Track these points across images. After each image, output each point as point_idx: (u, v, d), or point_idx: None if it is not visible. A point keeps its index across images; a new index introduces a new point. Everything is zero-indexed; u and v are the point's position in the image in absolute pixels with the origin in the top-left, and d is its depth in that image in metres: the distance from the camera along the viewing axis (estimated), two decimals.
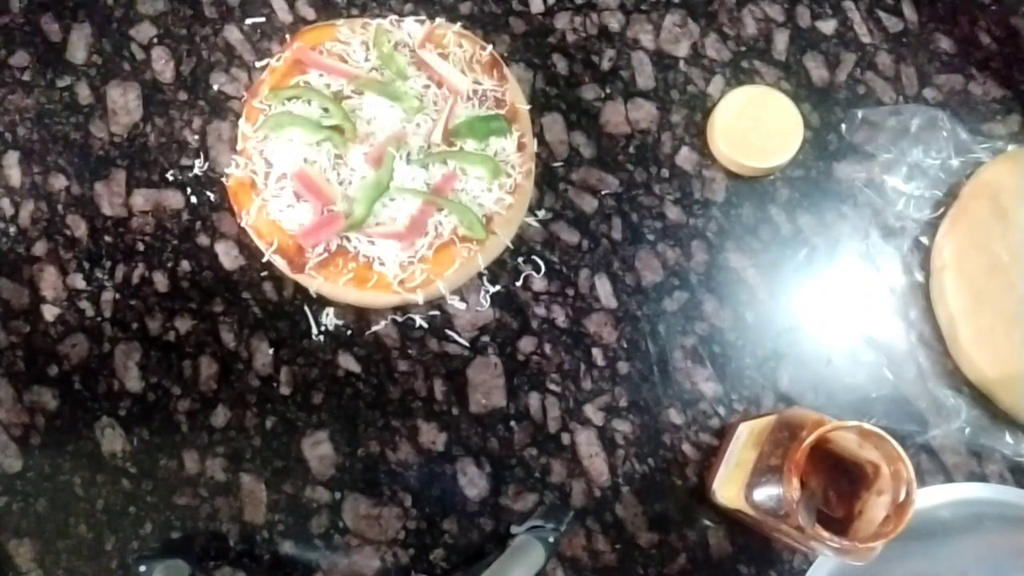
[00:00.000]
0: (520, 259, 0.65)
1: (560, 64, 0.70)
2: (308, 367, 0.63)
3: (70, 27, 0.69)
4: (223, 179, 0.64)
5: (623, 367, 0.63)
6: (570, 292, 0.65)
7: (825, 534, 0.46)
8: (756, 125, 0.66)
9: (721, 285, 0.65)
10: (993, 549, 0.58)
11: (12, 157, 0.67)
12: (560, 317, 0.64)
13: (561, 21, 0.71)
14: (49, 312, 0.63)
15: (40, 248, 0.65)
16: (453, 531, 0.60)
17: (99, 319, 0.63)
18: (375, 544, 0.60)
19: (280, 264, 0.61)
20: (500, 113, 0.62)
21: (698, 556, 0.60)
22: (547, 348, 0.64)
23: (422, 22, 0.65)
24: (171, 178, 0.66)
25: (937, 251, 0.64)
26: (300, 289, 0.64)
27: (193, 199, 0.66)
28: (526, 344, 0.64)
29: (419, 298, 0.60)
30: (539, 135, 0.67)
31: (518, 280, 0.65)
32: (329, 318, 0.63)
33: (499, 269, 0.65)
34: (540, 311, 0.64)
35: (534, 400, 0.63)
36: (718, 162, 0.68)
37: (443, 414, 0.62)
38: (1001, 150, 0.67)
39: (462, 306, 0.64)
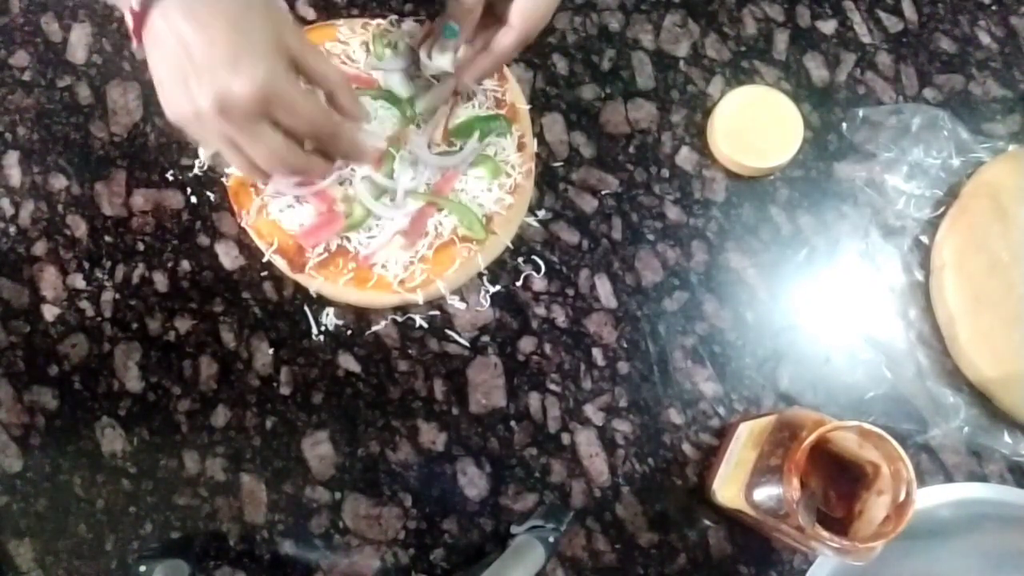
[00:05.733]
0: (520, 259, 0.65)
1: (560, 64, 0.70)
2: (308, 367, 0.63)
3: (70, 27, 0.69)
4: (223, 179, 0.64)
5: (623, 367, 0.63)
6: (570, 292, 0.65)
7: (825, 534, 0.46)
8: (756, 125, 0.66)
9: (721, 285, 0.65)
10: (993, 549, 0.58)
11: (12, 157, 0.67)
12: (560, 317, 0.64)
13: (561, 21, 0.71)
14: (49, 312, 0.64)
15: (40, 248, 0.65)
16: (453, 531, 0.60)
17: (99, 319, 0.63)
18: (375, 544, 0.60)
19: (280, 264, 0.61)
20: (500, 113, 0.62)
21: (698, 556, 0.60)
22: (547, 348, 0.64)
23: (422, 22, 0.65)
24: (171, 178, 0.66)
25: (937, 250, 0.64)
26: (300, 289, 0.64)
27: (193, 199, 0.66)
28: (526, 344, 0.64)
29: (419, 298, 0.60)
30: (539, 135, 0.67)
31: (518, 280, 0.65)
32: (329, 318, 0.63)
33: (499, 269, 0.65)
34: (540, 311, 0.64)
35: (534, 400, 0.63)
36: (718, 162, 0.68)
37: (443, 414, 0.62)
38: (1002, 150, 0.67)
39: (462, 306, 0.64)
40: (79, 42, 0.69)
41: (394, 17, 0.65)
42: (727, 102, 0.67)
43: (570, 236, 0.66)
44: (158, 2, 0.45)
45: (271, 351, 0.63)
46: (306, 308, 0.64)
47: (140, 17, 0.46)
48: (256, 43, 0.46)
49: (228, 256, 0.65)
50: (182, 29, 0.45)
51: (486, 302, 0.64)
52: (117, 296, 0.64)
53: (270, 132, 0.48)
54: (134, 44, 0.47)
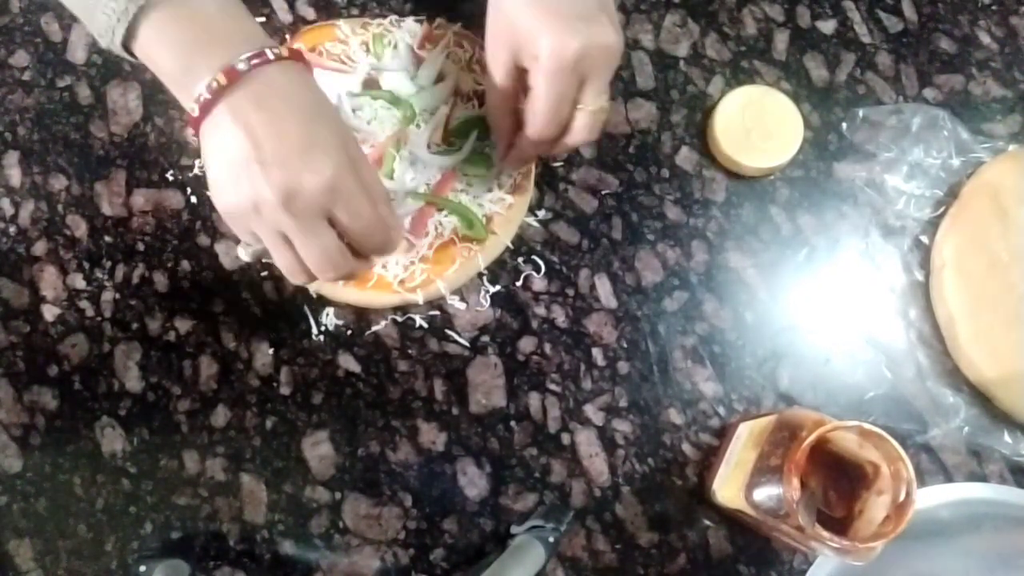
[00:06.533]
0: (520, 259, 0.65)
1: None
2: (308, 367, 0.63)
3: (70, 27, 0.69)
4: None
5: (623, 367, 0.63)
6: (570, 292, 0.65)
7: (825, 534, 0.46)
8: (756, 125, 0.66)
9: (721, 285, 0.65)
10: (993, 549, 0.58)
11: (12, 157, 0.67)
12: (560, 317, 0.64)
13: None
14: (49, 312, 0.63)
15: (40, 248, 0.65)
16: (453, 531, 0.60)
17: (99, 319, 0.63)
18: (375, 544, 0.60)
19: None
20: None
21: (698, 556, 0.60)
22: (547, 348, 0.64)
23: (422, 22, 0.65)
24: (171, 178, 0.66)
25: (937, 250, 0.64)
26: (300, 289, 0.64)
27: (193, 199, 0.66)
28: (526, 344, 0.64)
29: (419, 298, 0.60)
30: None
31: (518, 280, 0.65)
32: (329, 318, 0.63)
33: (499, 269, 0.65)
34: (540, 311, 0.64)
35: (534, 400, 0.63)
36: (718, 162, 0.68)
37: (443, 414, 0.62)
38: (1002, 150, 0.67)
39: (462, 306, 0.64)
40: (79, 42, 0.69)
41: (394, 17, 0.65)
42: (727, 102, 0.67)
43: (570, 236, 0.66)
44: (229, 94, 0.44)
45: (271, 351, 0.63)
46: (306, 308, 0.64)
47: (206, 107, 0.45)
48: (327, 138, 0.45)
49: (228, 256, 0.65)
50: (252, 119, 0.44)
51: (486, 302, 0.64)
52: (117, 296, 0.64)
53: (327, 230, 0.47)
54: (190, 133, 0.46)
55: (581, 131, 0.54)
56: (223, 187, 0.46)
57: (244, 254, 0.52)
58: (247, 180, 0.45)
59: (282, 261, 0.48)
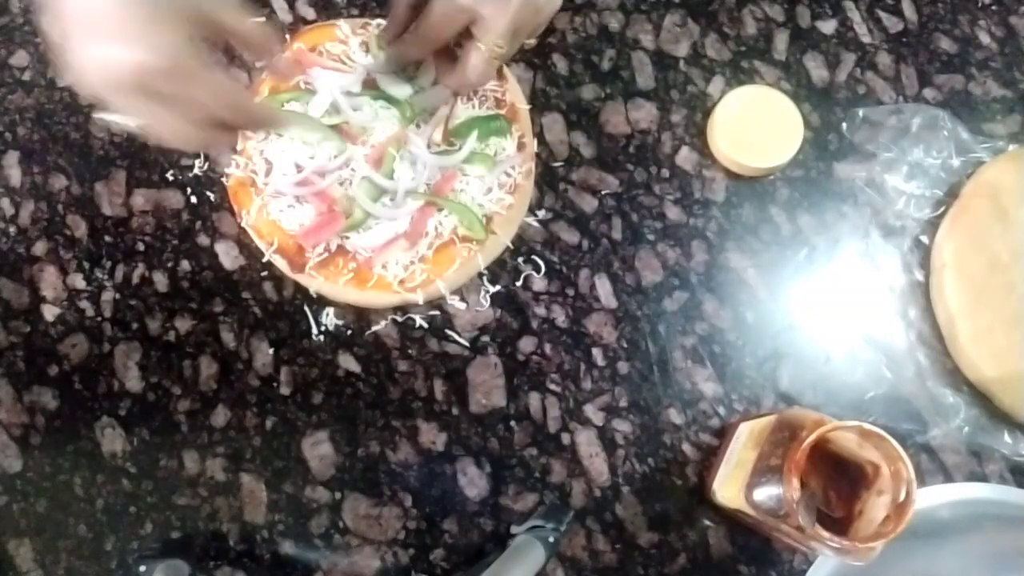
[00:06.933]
0: (520, 259, 0.65)
1: (560, 64, 0.70)
2: (308, 367, 0.63)
3: None
4: (223, 179, 0.64)
5: (623, 367, 0.63)
6: (570, 292, 0.65)
7: (825, 534, 0.46)
8: (756, 125, 0.66)
9: (721, 285, 0.65)
10: (993, 549, 0.58)
11: (12, 157, 0.67)
12: (560, 317, 0.64)
13: (561, 21, 0.71)
14: (49, 312, 0.64)
15: (40, 248, 0.65)
16: (453, 531, 0.60)
17: (99, 319, 0.63)
18: (375, 544, 0.60)
19: (280, 264, 0.61)
20: (500, 113, 0.62)
21: (698, 556, 0.60)
22: (547, 348, 0.64)
23: None
24: (171, 178, 0.66)
25: (937, 250, 0.64)
26: (300, 289, 0.64)
27: (193, 199, 0.66)
28: (526, 344, 0.64)
29: (419, 298, 0.60)
30: (539, 135, 0.67)
31: (518, 280, 0.65)
32: (329, 318, 0.63)
33: (499, 269, 0.65)
34: (540, 311, 0.64)
35: (534, 400, 0.63)
36: (718, 162, 0.68)
37: (443, 414, 0.62)
38: (1002, 150, 0.67)
39: (462, 306, 0.64)
40: None
41: None
42: (727, 102, 0.67)
43: (570, 236, 0.66)
44: None
45: (271, 351, 0.63)
46: (306, 308, 0.64)
47: None
48: (158, 11, 0.42)
49: (228, 256, 0.65)
50: None
51: (486, 302, 0.64)
52: (117, 296, 0.64)
53: (174, 112, 0.45)
54: None
55: (470, 69, 0.55)
56: (71, 51, 0.43)
57: (103, 117, 0.55)
58: (90, 53, 0.43)
59: (144, 126, 0.47)
